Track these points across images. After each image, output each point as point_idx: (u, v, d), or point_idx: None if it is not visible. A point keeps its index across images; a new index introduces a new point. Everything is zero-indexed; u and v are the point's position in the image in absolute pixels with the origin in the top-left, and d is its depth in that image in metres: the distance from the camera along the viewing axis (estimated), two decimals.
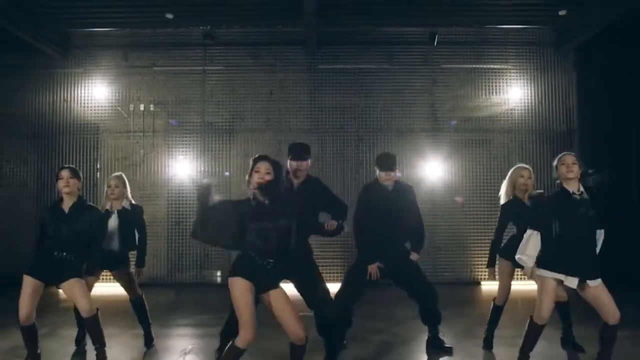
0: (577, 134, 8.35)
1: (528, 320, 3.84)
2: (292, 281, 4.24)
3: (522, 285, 6.20)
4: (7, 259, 8.16)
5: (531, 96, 8.38)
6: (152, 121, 8.41)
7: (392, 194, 4.33)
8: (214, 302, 6.34)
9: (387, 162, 4.32)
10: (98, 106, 8.40)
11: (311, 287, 4.02)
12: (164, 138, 8.47)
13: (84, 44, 8.40)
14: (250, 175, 3.36)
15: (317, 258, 4.37)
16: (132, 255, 4.87)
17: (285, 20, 7.62)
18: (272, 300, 3.24)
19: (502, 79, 8.41)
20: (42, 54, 8.06)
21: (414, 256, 4.41)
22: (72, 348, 4.69)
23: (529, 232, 3.76)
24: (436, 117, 8.44)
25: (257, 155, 3.45)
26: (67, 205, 4.04)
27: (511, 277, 4.58)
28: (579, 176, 3.76)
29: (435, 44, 7.81)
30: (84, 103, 8.41)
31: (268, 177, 3.29)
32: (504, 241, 4.64)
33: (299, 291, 4.09)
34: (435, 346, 4.46)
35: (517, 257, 3.84)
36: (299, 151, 4.11)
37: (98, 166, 8.40)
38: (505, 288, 4.55)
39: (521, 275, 4.96)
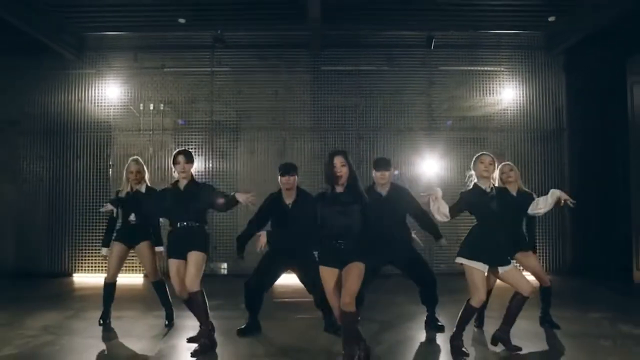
0: (567, 133, 8.77)
1: (465, 303, 4.19)
2: (294, 271, 4.71)
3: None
4: (22, 251, 8.58)
5: (523, 97, 8.76)
6: (161, 120, 8.77)
7: (385, 198, 4.76)
8: (222, 291, 6.67)
9: (382, 163, 4.81)
10: (110, 105, 8.75)
11: (309, 275, 4.45)
12: (173, 136, 8.81)
13: (98, 46, 8.75)
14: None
15: None
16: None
17: (290, 24, 7.92)
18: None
19: (496, 81, 8.78)
20: (58, 56, 8.43)
21: (443, 242, 4.98)
22: (98, 328, 5.01)
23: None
24: (433, 116, 8.82)
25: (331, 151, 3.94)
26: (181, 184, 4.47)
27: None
28: (492, 175, 4.16)
29: (432, 47, 8.11)
30: (97, 102, 8.76)
31: (344, 169, 3.75)
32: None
33: (300, 280, 4.66)
34: (431, 325, 4.89)
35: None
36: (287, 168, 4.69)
37: (110, 163, 8.77)
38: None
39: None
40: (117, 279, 5.14)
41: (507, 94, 8.75)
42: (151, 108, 8.72)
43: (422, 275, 4.84)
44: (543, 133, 8.70)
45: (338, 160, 3.75)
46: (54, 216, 8.63)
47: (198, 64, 8.82)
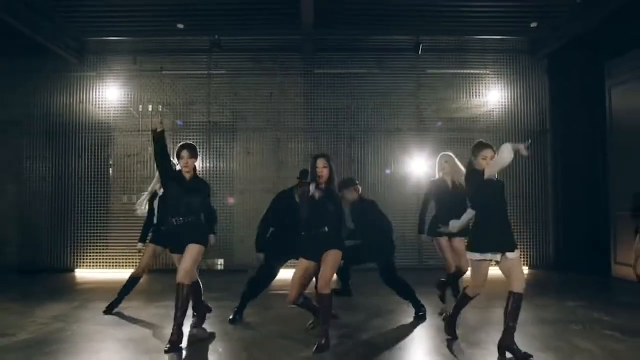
0: (550, 133, 9.15)
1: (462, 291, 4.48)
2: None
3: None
4: (28, 248, 8.85)
5: (508, 99, 9.13)
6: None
7: (352, 211, 5.15)
8: (219, 284, 6.96)
9: (345, 182, 5.21)
10: (110, 107, 9.05)
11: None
12: (172, 137, 9.02)
13: (99, 49, 9.04)
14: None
15: None
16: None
17: (285, 29, 8.23)
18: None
19: (482, 84, 9.15)
20: (60, 59, 8.72)
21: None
22: (105, 316, 5.31)
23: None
24: (422, 118, 9.17)
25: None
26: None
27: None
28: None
29: (419, 53, 8.36)
30: (98, 104, 9.06)
31: (325, 171, 4.17)
32: None
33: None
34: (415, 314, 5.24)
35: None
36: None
37: (110, 162, 9.07)
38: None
39: None
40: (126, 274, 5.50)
41: (493, 97, 9.11)
42: (150, 110, 8.95)
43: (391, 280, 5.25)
44: (528, 134, 8.96)
45: (320, 163, 4.20)
46: (56, 214, 8.91)
47: (196, 68, 9.13)
